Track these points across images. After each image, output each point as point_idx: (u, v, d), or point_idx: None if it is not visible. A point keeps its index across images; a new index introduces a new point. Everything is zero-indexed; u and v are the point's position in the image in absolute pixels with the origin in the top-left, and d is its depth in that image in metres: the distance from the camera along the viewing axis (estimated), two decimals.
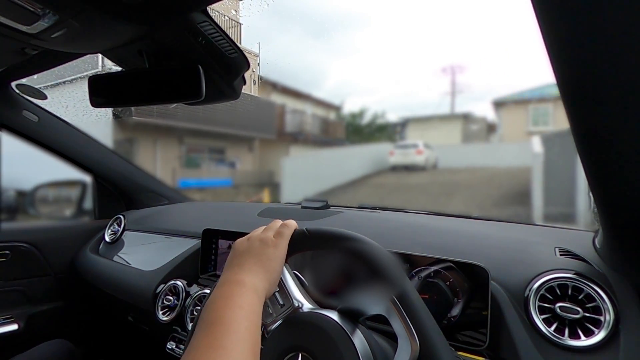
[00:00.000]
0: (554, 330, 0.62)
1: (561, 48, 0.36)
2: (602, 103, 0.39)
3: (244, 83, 0.85)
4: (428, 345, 0.47)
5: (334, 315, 0.54)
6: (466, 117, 19.74)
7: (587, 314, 0.61)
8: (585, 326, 0.61)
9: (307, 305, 0.58)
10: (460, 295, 0.69)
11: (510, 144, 15.20)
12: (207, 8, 0.68)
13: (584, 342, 0.59)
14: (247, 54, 0.78)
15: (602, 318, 0.60)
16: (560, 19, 0.34)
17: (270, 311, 0.57)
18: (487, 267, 0.67)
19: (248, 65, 0.80)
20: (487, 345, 0.64)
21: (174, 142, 10.53)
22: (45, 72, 1.03)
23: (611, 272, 0.65)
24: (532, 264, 0.71)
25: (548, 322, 0.63)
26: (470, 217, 1.11)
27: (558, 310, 0.63)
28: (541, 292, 0.65)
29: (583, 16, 0.32)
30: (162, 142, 10.13)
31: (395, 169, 14.39)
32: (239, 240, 0.59)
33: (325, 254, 0.83)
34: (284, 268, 0.59)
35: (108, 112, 1.23)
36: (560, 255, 0.73)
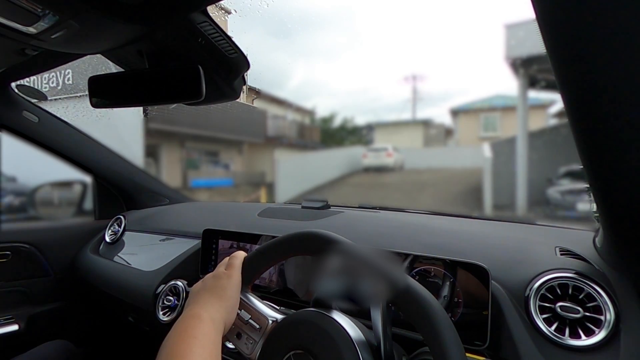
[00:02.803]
0: (555, 330, 0.62)
1: (562, 49, 0.37)
2: (602, 102, 0.39)
3: (244, 83, 0.85)
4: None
5: (333, 314, 0.55)
6: (427, 123, 22.25)
7: (587, 314, 0.61)
8: (586, 326, 0.61)
9: (280, 317, 0.60)
10: (461, 294, 0.70)
11: (465, 148, 17.60)
12: (207, 8, 0.68)
13: (584, 341, 0.59)
14: None
15: (602, 317, 0.60)
16: (562, 19, 0.34)
17: (251, 341, 0.59)
18: (488, 267, 0.67)
19: (248, 66, 0.80)
20: (488, 345, 0.64)
21: (175, 146, 11.65)
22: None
23: (612, 271, 0.65)
24: (532, 263, 0.71)
25: (548, 322, 0.63)
26: (470, 217, 1.11)
27: (558, 309, 0.63)
28: (541, 292, 0.65)
29: (585, 15, 0.33)
30: (166, 146, 11.21)
31: (368, 170, 16.11)
32: (195, 284, 0.62)
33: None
34: (247, 294, 0.62)
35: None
36: (561, 254, 0.73)
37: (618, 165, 0.45)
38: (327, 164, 14.81)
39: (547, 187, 8.35)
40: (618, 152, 0.43)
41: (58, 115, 1.34)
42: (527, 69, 9.03)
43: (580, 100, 0.41)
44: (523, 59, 8.80)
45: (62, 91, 1.45)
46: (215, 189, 11.97)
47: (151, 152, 10.31)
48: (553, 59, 0.38)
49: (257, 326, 0.59)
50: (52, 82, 1.47)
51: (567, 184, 8.11)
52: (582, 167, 0.50)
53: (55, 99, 1.42)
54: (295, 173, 12.35)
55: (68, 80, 1.45)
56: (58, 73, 1.45)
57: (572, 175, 8.13)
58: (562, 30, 0.35)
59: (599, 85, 0.38)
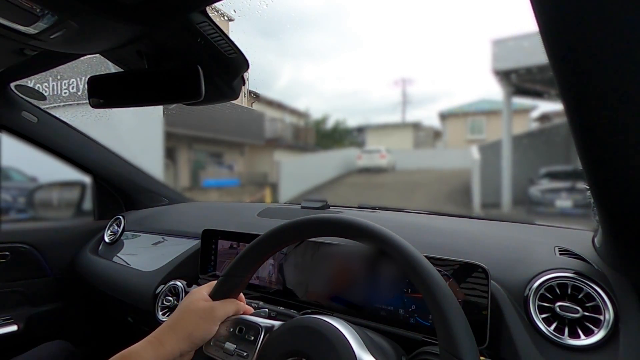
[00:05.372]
0: (554, 330, 0.61)
1: (563, 53, 0.36)
2: (602, 101, 0.38)
3: (244, 83, 0.83)
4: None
5: (332, 320, 0.54)
6: (416, 126, 22.98)
7: (586, 313, 0.60)
8: (585, 325, 0.60)
9: (277, 323, 0.58)
10: (460, 294, 0.68)
11: (453, 150, 18.18)
12: (206, 8, 0.66)
13: (583, 341, 0.58)
14: None
15: (601, 317, 0.59)
16: (562, 23, 0.33)
17: (245, 353, 0.56)
18: (487, 267, 0.65)
19: (247, 66, 0.79)
20: (487, 345, 0.63)
21: (184, 148, 12.24)
22: None
23: (611, 271, 0.64)
24: (531, 263, 0.70)
25: (548, 322, 0.62)
26: (470, 217, 1.10)
27: (558, 309, 0.62)
28: (541, 292, 0.64)
29: (585, 19, 0.32)
30: (179, 148, 11.79)
31: (362, 170, 16.68)
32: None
33: (320, 261, 0.82)
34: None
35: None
36: (560, 254, 0.72)
37: (617, 166, 0.44)
38: (325, 164, 15.26)
39: (529, 186, 8.82)
40: (617, 153, 0.43)
41: (81, 119, 1.32)
42: (512, 80, 9.65)
43: (580, 103, 0.40)
44: (508, 70, 9.38)
45: (84, 96, 1.43)
46: (224, 189, 12.55)
47: (168, 154, 10.75)
48: (553, 63, 0.37)
49: (251, 338, 0.57)
50: (72, 88, 1.45)
51: (546, 184, 8.61)
52: (582, 167, 0.48)
53: (79, 104, 1.41)
54: (296, 173, 12.74)
55: None
56: (78, 79, 1.44)
57: (551, 175, 8.72)
58: (563, 34, 0.35)
59: (599, 87, 0.37)
